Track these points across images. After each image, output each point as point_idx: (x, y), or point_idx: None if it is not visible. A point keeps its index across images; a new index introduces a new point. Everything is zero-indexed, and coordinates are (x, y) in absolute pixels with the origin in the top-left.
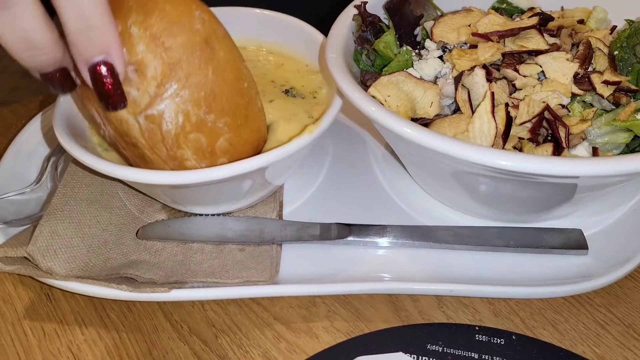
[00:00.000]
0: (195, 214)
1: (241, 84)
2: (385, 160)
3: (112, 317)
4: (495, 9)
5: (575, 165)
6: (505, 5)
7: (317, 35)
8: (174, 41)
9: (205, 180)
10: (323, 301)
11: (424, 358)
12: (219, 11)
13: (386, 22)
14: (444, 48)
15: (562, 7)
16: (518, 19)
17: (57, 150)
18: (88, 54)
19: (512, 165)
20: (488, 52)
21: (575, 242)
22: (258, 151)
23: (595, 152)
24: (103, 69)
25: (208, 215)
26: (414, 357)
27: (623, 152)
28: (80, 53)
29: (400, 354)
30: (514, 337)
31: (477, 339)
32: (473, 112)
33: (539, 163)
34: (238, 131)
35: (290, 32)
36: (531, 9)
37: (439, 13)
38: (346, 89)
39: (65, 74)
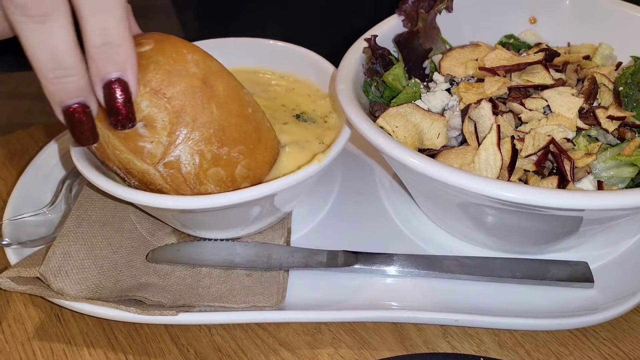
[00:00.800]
0: (205, 239)
1: (246, 111)
2: (392, 189)
3: (119, 339)
4: (503, 44)
5: (580, 198)
6: (512, 40)
7: (328, 65)
8: (174, 90)
9: (214, 206)
10: (328, 328)
11: None
12: (234, 41)
13: (395, 54)
14: (452, 81)
15: (569, 43)
16: (525, 54)
17: (72, 174)
18: (105, 70)
19: (518, 198)
20: (495, 86)
21: (581, 274)
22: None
23: (600, 185)
24: (117, 87)
25: (217, 240)
26: None
27: (628, 186)
28: (98, 68)
29: None
30: None
31: None
32: (479, 144)
33: (545, 195)
34: (253, 155)
35: (302, 62)
36: (538, 44)
37: (447, 47)
38: (355, 119)
39: (87, 113)
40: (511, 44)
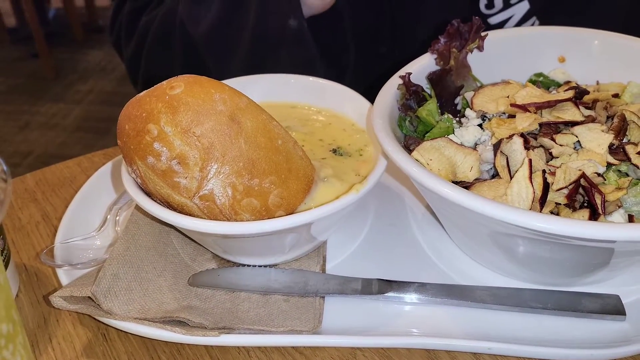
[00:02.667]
0: (243, 265)
1: (275, 143)
2: (424, 221)
3: (162, 359)
4: (532, 82)
5: (612, 230)
6: (541, 78)
7: (364, 101)
8: (203, 128)
9: (254, 232)
10: (363, 354)
11: None
12: (275, 77)
13: (428, 91)
14: (483, 117)
15: (598, 81)
16: (554, 91)
17: (118, 201)
18: None
19: (552, 229)
20: (526, 122)
21: (612, 307)
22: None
23: (631, 219)
24: None
25: (255, 266)
26: None
27: None
28: None
29: None
30: None
31: None
32: (511, 178)
33: (578, 227)
34: (285, 184)
35: (339, 97)
36: (567, 82)
37: (478, 84)
38: (392, 152)
39: None
40: (541, 81)
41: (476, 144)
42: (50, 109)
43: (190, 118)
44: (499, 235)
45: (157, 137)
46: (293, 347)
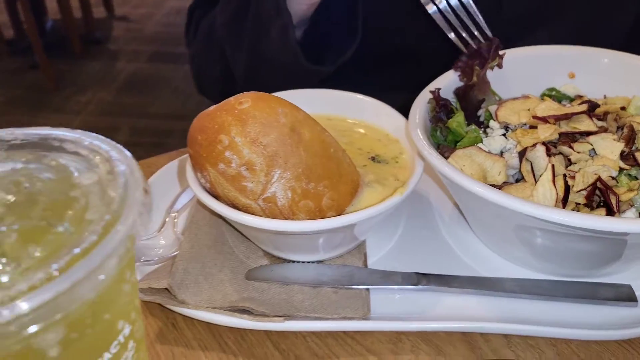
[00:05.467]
0: (293, 261)
1: (328, 151)
2: (451, 221)
3: (229, 344)
4: (548, 96)
5: (626, 223)
6: (554, 92)
7: (395, 113)
8: (268, 138)
9: (312, 229)
10: (407, 338)
11: None
12: (314, 93)
13: (454, 104)
14: (506, 128)
15: (605, 95)
16: (568, 104)
17: (174, 204)
18: None
19: (576, 222)
20: (547, 132)
21: (625, 295)
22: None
23: None
24: None
25: (304, 262)
26: None
27: None
28: None
29: None
30: None
31: None
32: (536, 181)
33: (597, 221)
34: (337, 188)
35: (374, 111)
36: (578, 96)
37: (497, 98)
38: (431, 158)
39: None
40: (554, 95)
41: (502, 152)
42: (50, 120)
43: (258, 129)
44: (526, 231)
45: (228, 146)
46: (344, 332)
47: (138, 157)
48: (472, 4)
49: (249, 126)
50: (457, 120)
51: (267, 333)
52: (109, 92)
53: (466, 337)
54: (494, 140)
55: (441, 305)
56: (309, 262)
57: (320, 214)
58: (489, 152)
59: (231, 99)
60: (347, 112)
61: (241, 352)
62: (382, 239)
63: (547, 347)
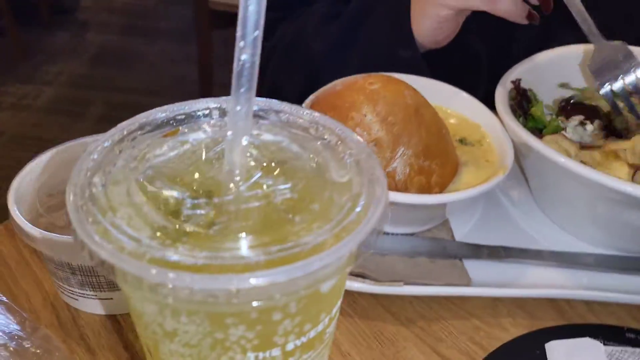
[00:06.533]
0: (386, 233)
1: (442, 132)
2: (519, 200)
3: (342, 307)
4: None
5: None
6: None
7: (473, 99)
8: (396, 118)
9: (439, 201)
10: (502, 304)
11: (612, 342)
12: (407, 78)
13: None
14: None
15: None
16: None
17: None
18: None
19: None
20: None
21: None
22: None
23: None
24: None
25: (397, 234)
26: (601, 341)
27: None
28: None
29: (587, 339)
30: None
31: (627, 336)
32: None
33: None
34: (445, 167)
35: (452, 97)
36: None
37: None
38: (529, 140)
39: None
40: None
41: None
42: (20, 90)
43: (387, 109)
44: (602, 203)
45: (359, 123)
46: (445, 297)
47: None
48: None
49: (380, 106)
50: (540, 109)
51: (376, 297)
52: (80, 63)
53: (552, 303)
54: (575, 130)
55: (527, 276)
56: (400, 234)
57: (428, 191)
58: (570, 139)
59: (358, 79)
60: (426, 97)
61: (356, 313)
62: (463, 220)
63: (624, 312)
